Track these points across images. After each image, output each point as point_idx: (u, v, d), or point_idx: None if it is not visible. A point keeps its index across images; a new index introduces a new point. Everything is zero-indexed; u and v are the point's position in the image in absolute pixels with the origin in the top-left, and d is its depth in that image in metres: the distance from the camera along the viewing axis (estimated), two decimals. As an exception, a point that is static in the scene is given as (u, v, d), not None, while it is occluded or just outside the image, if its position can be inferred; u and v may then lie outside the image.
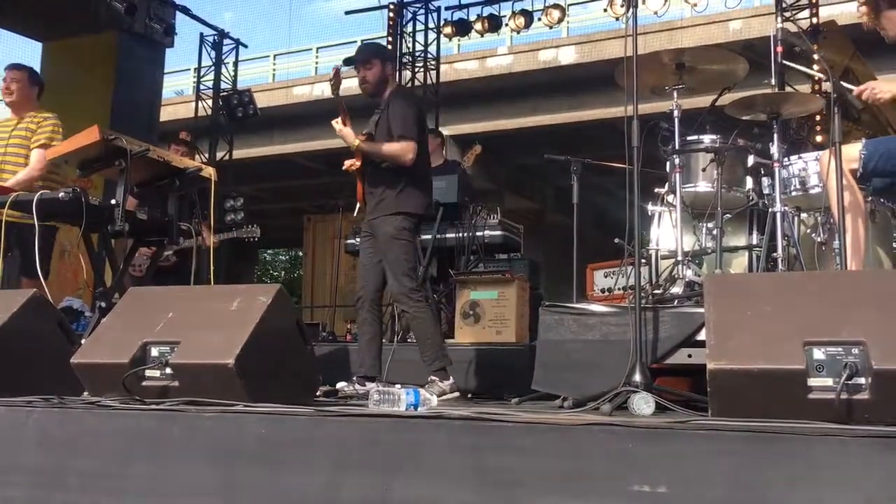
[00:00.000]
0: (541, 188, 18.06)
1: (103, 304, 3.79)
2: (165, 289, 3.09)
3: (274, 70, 18.94)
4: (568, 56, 14.00)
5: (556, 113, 14.66)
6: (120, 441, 2.33)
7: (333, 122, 4.26)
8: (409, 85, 10.35)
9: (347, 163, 4.37)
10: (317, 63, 18.58)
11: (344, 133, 4.23)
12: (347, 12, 11.63)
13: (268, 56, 19.17)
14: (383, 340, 4.49)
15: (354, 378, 4.17)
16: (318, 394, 3.45)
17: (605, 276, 5.81)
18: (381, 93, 4.32)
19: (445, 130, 10.98)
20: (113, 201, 3.84)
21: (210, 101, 11.28)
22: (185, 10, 10.05)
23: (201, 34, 11.21)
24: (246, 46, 11.70)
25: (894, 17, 3.54)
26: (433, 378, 4.00)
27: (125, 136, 3.88)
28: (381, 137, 4.24)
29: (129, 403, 2.50)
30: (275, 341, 2.75)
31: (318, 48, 18.83)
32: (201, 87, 11.48)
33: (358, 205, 4.50)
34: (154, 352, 2.64)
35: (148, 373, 2.62)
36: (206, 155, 10.94)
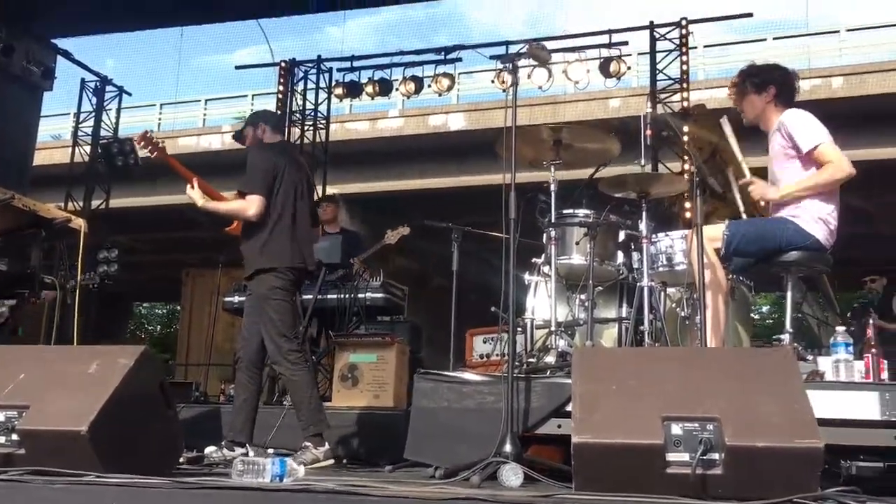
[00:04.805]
0: (425, 251, 18.22)
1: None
2: (18, 348, 2.91)
3: (160, 119, 18.51)
4: (457, 122, 14.32)
5: (444, 177, 14.90)
6: (-47, 515, 2.15)
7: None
8: (298, 143, 10.28)
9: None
10: (205, 115, 18.30)
11: (190, 194, 4.17)
12: (238, 67, 11.53)
13: (154, 105, 18.75)
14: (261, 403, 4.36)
15: (223, 442, 4.02)
16: (181, 461, 3.29)
17: (485, 342, 5.88)
18: None
19: (334, 189, 10.95)
20: (-31, 252, 3.63)
21: (88, 148, 10.88)
22: (67, 55, 9.69)
23: (83, 79, 10.85)
24: (130, 94, 11.40)
25: (755, 101, 3.85)
26: (307, 444, 3.89)
27: (-12, 183, 3.69)
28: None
29: (-33, 473, 2.32)
30: (135, 407, 2.63)
31: (206, 100, 18.55)
32: (80, 132, 11.06)
33: None
34: (0, 416, 2.48)
35: (-9, 439, 2.45)
36: (80, 203, 10.49)
